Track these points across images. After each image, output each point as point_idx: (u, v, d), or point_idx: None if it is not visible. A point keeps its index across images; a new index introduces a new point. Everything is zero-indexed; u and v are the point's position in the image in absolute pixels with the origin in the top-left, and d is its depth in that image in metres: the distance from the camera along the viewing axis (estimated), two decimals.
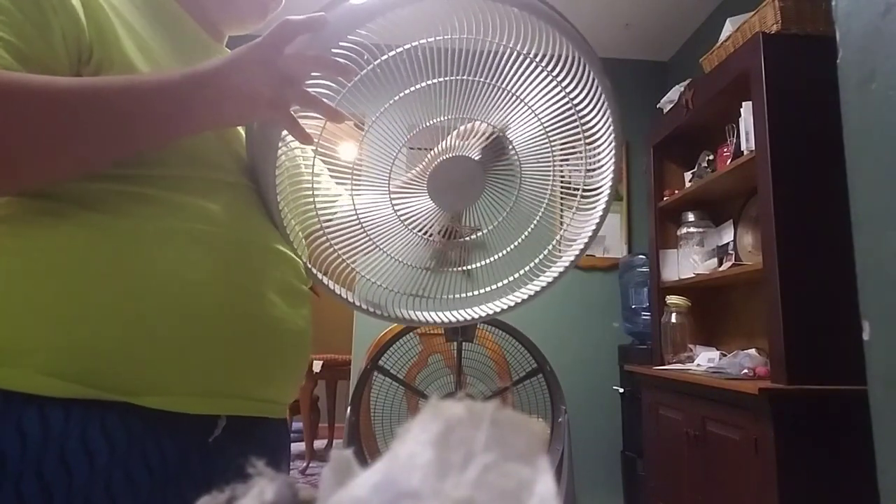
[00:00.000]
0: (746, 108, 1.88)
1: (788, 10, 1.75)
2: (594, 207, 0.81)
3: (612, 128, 0.74)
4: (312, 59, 0.59)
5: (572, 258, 0.83)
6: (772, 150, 1.68)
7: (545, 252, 0.83)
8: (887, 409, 0.54)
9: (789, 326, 1.59)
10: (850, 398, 1.02)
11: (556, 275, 0.83)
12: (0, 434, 0.50)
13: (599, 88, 0.70)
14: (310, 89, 0.61)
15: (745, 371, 1.78)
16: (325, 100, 0.61)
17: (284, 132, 0.63)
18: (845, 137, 0.59)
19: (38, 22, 0.54)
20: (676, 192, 2.47)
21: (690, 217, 2.44)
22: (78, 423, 0.51)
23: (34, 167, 0.51)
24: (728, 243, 2.21)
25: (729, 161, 2.06)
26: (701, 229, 2.39)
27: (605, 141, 0.75)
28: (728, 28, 2.06)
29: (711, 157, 2.30)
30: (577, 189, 0.80)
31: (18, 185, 0.54)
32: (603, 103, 0.72)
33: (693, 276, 2.29)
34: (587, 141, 0.76)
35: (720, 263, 2.19)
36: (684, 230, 2.44)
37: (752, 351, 1.89)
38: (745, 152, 1.91)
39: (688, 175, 2.44)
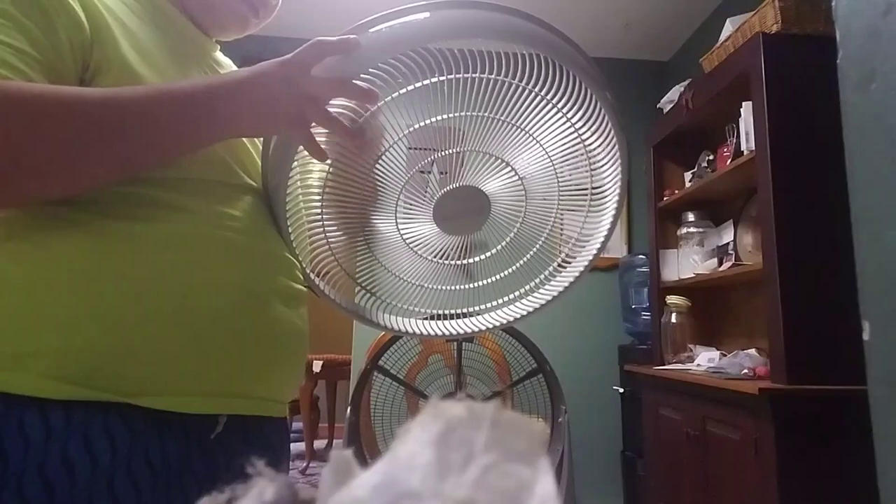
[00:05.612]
0: (746, 108, 1.88)
1: (788, 10, 1.75)
2: (601, 221, 0.82)
3: (616, 150, 0.72)
4: (337, 82, 0.58)
5: (577, 273, 0.83)
6: (772, 150, 1.68)
7: (546, 272, 0.84)
8: (887, 409, 0.54)
9: (789, 326, 1.59)
10: (850, 398, 1.02)
11: (558, 292, 0.84)
12: (2, 435, 0.50)
13: (603, 113, 0.68)
14: (332, 109, 0.60)
15: (745, 371, 1.78)
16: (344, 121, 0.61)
17: (300, 147, 0.63)
18: (845, 137, 0.59)
19: (44, 27, 0.53)
20: (676, 192, 2.47)
21: (690, 217, 2.43)
22: (80, 424, 0.51)
23: (57, 179, 0.51)
24: (728, 243, 2.21)
25: (729, 161, 2.06)
26: (701, 229, 2.39)
27: (610, 162, 0.74)
28: (728, 28, 2.06)
29: (711, 157, 2.30)
30: (585, 200, 0.80)
31: (45, 195, 0.54)
32: (607, 126, 0.70)
33: (693, 276, 2.29)
34: (590, 161, 0.75)
35: (720, 263, 2.19)
36: (684, 230, 2.44)
37: (752, 351, 1.89)
38: (745, 152, 1.91)
39: (688, 175, 2.44)
